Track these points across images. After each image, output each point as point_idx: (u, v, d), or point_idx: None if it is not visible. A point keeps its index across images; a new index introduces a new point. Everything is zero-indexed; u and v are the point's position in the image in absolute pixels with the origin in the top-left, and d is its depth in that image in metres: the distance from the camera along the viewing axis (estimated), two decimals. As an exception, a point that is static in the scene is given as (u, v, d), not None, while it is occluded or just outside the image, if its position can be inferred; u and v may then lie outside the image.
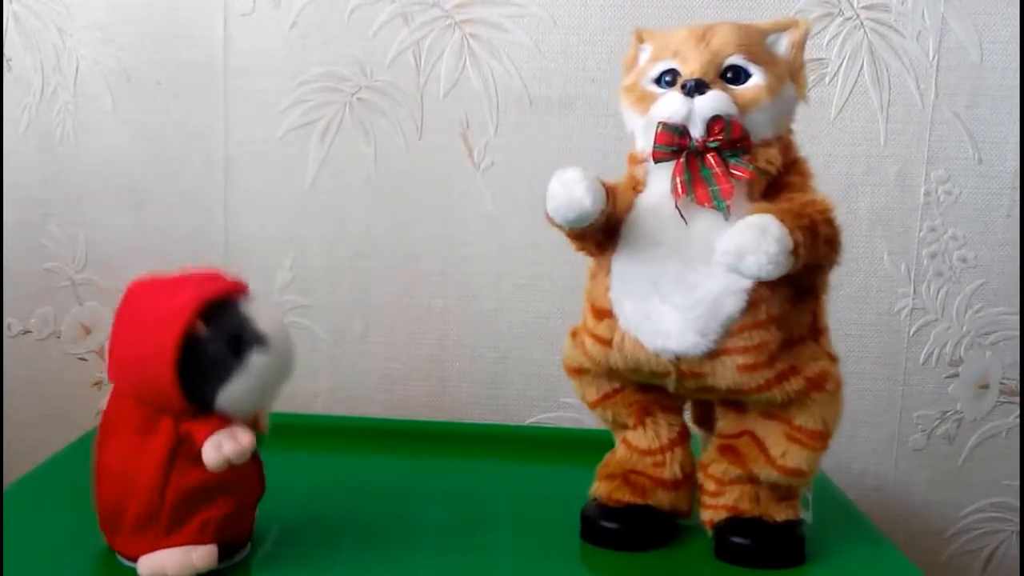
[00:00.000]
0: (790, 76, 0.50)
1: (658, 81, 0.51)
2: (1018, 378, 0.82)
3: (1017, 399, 0.82)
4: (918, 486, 0.84)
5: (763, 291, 0.48)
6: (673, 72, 0.50)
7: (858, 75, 0.78)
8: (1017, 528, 0.84)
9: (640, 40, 0.54)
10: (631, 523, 0.54)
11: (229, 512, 0.48)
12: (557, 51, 0.79)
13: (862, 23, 0.77)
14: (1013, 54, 0.77)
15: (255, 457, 0.49)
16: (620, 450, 0.56)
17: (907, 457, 0.83)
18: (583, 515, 0.55)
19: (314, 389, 0.84)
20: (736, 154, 0.49)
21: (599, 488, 0.56)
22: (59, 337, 0.85)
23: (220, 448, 0.45)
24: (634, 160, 0.53)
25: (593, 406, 0.56)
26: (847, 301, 0.80)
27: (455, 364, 0.83)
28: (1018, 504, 0.84)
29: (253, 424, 0.49)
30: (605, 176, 0.50)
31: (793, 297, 0.49)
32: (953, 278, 0.81)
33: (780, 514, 0.52)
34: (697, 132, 0.48)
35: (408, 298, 0.82)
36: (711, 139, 0.48)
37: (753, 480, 0.52)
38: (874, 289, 0.81)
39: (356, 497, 0.60)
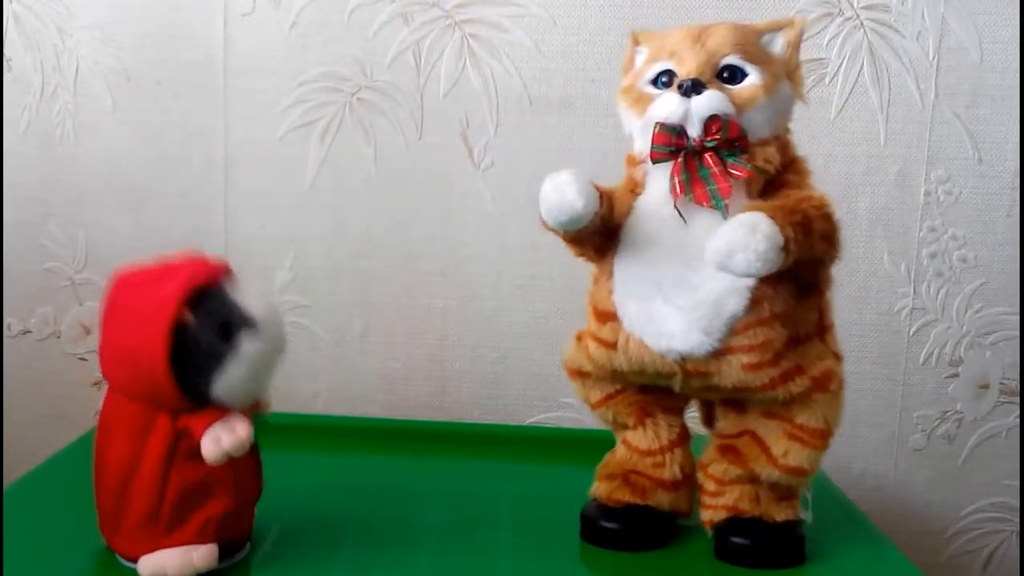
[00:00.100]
0: (786, 75, 0.51)
1: (655, 82, 0.51)
2: (1018, 378, 0.82)
3: (1017, 399, 0.82)
4: (918, 486, 0.84)
5: (765, 288, 0.48)
6: (669, 73, 0.50)
7: (858, 75, 0.78)
8: (1017, 528, 0.84)
9: (636, 42, 0.54)
10: (631, 523, 0.54)
11: (229, 510, 0.48)
12: (557, 51, 0.79)
13: (862, 23, 0.77)
14: (1013, 54, 0.77)
15: (254, 454, 0.49)
16: (620, 450, 0.56)
17: (907, 457, 0.83)
18: (583, 515, 0.55)
19: (314, 389, 0.84)
20: (734, 153, 0.49)
21: (599, 488, 0.56)
22: (59, 337, 0.85)
23: (219, 442, 0.45)
24: (632, 162, 0.53)
25: (595, 407, 0.56)
26: (847, 301, 0.80)
27: (455, 364, 0.83)
28: (1018, 504, 0.84)
29: (254, 408, 0.48)
30: (604, 177, 0.50)
31: (797, 294, 0.49)
32: (953, 278, 0.81)
33: (780, 514, 0.52)
34: (694, 132, 0.49)
35: (408, 298, 0.83)
36: (708, 139, 0.48)
37: (753, 480, 0.52)
38: (874, 289, 0.81)
39: (356, 497, 0.60)
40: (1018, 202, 0.79)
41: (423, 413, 0.83)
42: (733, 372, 0.49)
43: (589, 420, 0.63)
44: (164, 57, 0.80)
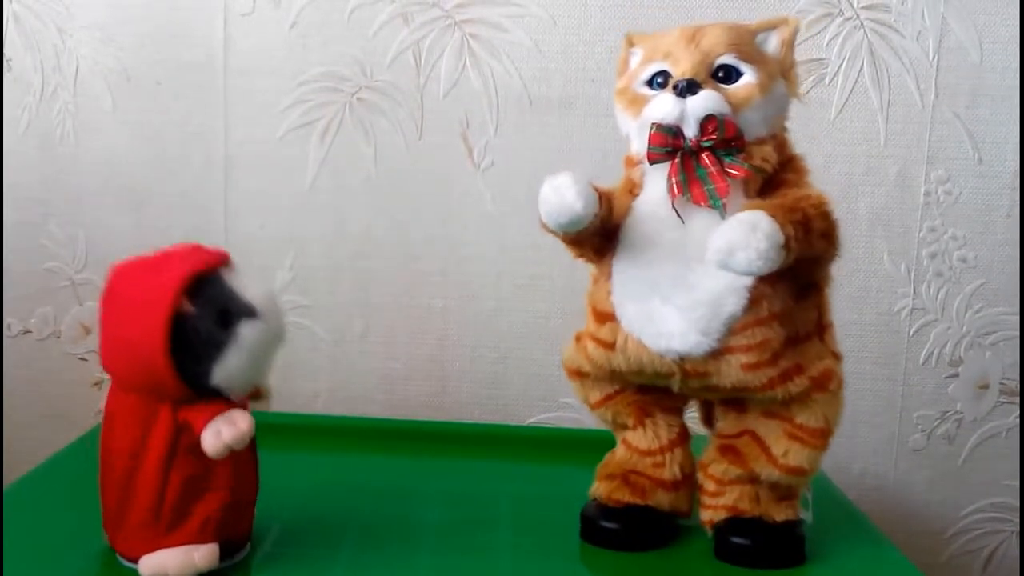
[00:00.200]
0: (781, 74, 0.51)
1: (650, 83, 0.51)
2: (1018, 378, 0.82)
3: (1017, 399, 0.82)
4: (918, 486, 0.84)
5: (764, 288, 0.48)
6: (664, 74, 0.50)
7: (858, 75, 0.78)
8: (1017, 528, 0.84)
9: (630, 43, 0.54)
10: (631, 523, 0.54)
11: (229, 509, 0.48)
12: (557, 51, 0.79)
13: (862, 23, 0.77)
14: (1013, 54, 0.77)
15: (252, 449, 0.49)
16: (620, 450, 0.56)
17: (907, 457, 0.83)
18: (583, 515, 0.55)
19: (314, 389, 0.84)
20: (731, 153, 0.49)
21: (599, 488, 0.56)
22: (59, 337, 0.85)
23: (220, 435, 0.44)
24: (630, 163, 0.53)
25: (594, 407, 0.56)
26: (847, 301, 0.80)
27: (455, 364, 0.83)
28: (1018, 504, 0.84)
29: (253, 396, 0.48)
30: (605, 177, 0.50)
31: (795, 293, 0.49)
32: (953, 278, 0.81)
33: (780, 514, 0.52)
34: (691, 132, 0.48)
35: (408, 298, 0.83)
36: (705, 138, 0.48)
37: (753, 480, 0.52)
38: (874, 289, 0.81)
39: (356, 497, 0.60)
40: (1018, 202, 0.79)
41: (423, 413, 0.83)
42: (732, 372, 0.49)
43: (589, 420, 0.63)
44: (164, 57, 0.80)
